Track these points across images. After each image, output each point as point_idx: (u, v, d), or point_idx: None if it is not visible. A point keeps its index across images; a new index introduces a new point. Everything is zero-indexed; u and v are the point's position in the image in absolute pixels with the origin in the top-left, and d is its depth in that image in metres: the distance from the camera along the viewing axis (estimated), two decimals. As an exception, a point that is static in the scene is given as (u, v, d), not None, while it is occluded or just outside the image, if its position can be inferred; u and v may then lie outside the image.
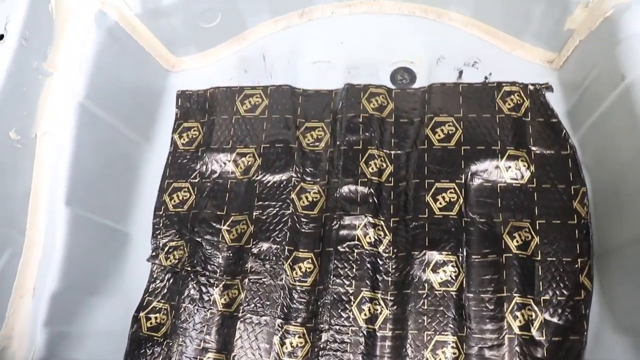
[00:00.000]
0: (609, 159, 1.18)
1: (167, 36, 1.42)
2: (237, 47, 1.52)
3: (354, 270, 1.22)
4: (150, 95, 1.47)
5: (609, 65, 1.12)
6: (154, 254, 1.34)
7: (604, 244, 1.18)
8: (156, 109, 1.49)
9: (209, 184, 1.38)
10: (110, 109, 1.29)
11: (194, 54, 1.51)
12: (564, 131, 1.30)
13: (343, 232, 1.26)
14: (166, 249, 1.34)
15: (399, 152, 1.34)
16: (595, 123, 1.21)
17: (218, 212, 1.34)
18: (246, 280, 1.25)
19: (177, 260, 1.33)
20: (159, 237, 1.36)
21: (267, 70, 1.48)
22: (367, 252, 1.24)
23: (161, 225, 1.37)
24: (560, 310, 1.16)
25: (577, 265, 1.19)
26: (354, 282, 1.22)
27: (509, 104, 1.34)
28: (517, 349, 1.13)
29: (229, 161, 1.39)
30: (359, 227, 1.26)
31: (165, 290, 1.31)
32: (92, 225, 1.24)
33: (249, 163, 1.38)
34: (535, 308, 1.16)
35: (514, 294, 1.16)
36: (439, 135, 1.32)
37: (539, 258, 1.20)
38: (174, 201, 1.38)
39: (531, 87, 1.35)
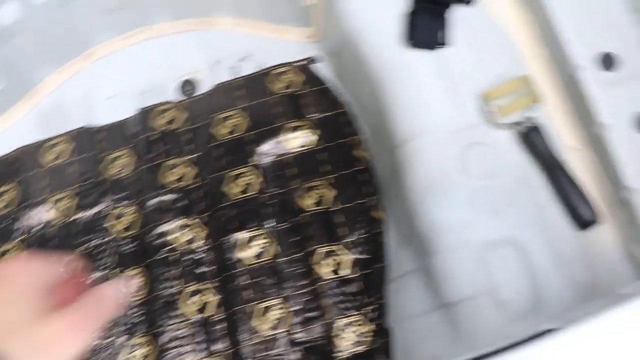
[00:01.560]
0: (364, 106, 1.34)
1: (-43, 113, 1.47)
2: (31, 104, 1.58)
3: (176, 271, 1.32)
4: (-43, 173, 1.51)
5: (339, 23, 1.28)
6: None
7: (383, 178, 1.33)
8: (-31, 184, 1.53)
9: (33, 238, 1.43)
10: None
11: (-8, 122, 1.57)
12: (332, 93, 1.45)
13: (159, 241, 1.35)
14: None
15: (198, 154, 1.45)
16: (352, 79, 1.38)
17: (47, 260, 1.40)
18: (82, 312, 1.32)
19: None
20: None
21: (66, 117, 1.56)
22: (184, 251, 1.34)
23: (-1, 289, 1.41)
24: (365, 247, 1.30)
25: (369, 204, 1.33)
26: (177, 281, 1.31)
27: (281, 84, 1.48)
28: (333, 291, 1.26)
29: (49, 210, 1.45)
30: (172, 232, 1.36)
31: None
32: None
33: (68, 204, 1.44)
34: (342, 252, 1.29)
35: (317, 246, 1.30)
36: (227, 129, 1.44)
37: (337, 208, 1.34)
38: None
39: (298, 64, 1.50)
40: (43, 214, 1.45)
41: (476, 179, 1.05)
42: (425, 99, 1.12)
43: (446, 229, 1.04)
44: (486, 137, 1.08)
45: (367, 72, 1.22)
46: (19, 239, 1.44)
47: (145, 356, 1.28)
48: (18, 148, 1.54)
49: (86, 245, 1.38)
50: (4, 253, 1.44)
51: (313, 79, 1.48)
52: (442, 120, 1.10)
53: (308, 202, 1.34)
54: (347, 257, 1.28)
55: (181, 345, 1.26)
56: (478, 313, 0.99)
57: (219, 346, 1.26)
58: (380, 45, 1.18)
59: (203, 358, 1.25)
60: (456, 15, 1.15)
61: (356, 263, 1.28)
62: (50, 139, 1.53)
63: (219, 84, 1.51)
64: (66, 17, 1.52)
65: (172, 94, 1.55)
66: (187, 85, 1.55)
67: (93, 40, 1.61)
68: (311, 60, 1.50)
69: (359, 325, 1.23)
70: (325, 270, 1.27)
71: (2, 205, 1.49)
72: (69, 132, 1.53)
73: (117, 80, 1.60)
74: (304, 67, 1.50)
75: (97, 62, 1.63)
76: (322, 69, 1.51)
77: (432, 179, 1.07)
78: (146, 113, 1.51)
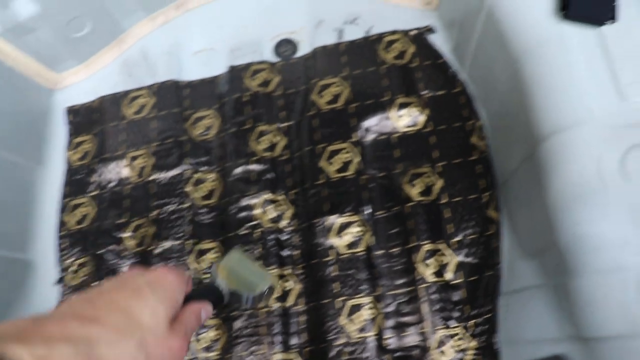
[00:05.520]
0: (491, 87, 1.14)
1: (41, 53, 1.37)
2: (117, 52, 1.47)
3: (258, 250, 1.18)
4: (35, 117, 1.41)
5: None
6: (60, 276, 1.29)
7: (504, 173, 1.14)
8: (45, 131, 1.43)
9: (107, 194, 1.33)
10: (-12, 138, 1.24)
11: (75, 66, 1.46)
12: (451, 69, 1.26)
13: (242, 215, 1.21)
14: (73, 268, 1.29)
15: (290, 123, 1.30)
16: (475, 54, 1.18)
17: (118, 221, 1.28)
18: (152, 282, 1.20)
19: (86, 277, 1.27)
20: (64, 258, 1.30)
21: (151, 70, 1.44)
22: (269, 229, 1.19)
23: (67, 245, 1.31)
24: (473, 249, 1.12)
25: (483, 200, 1.15)
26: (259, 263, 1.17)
27: (393, 53, 1.30)
28: (434, 296, 1.09)
29: (125, 166, 1.34)
30: (257, 206, 1.21)
31: (77, 310, 1.26)
32: (-15, 258, 1.19)
33: (143, 164, 1.33)
34: (447, 252, 1.12)
35: (422, 243, 1.12)
36: (326, 98, 1.28)
37: (445, 201, 1.16)
38: (76, 218, 1.33)
39: (413, 33, 1.32)
40: (118, 170, 1.34)
41: (641, 189, 0.84)
42: (582, 84, 0.91)
43: (597, 246, 0.84)
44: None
45: (503, 47, 1.02)
46: (92, 193, 1.34)
47: (214, 340, 1.15)
48: (100, 97, 1.43)
49: (161, 209, 1.27)
50: (76, 207, 1.34)
51: (428, 51, 1.29)
52: (602, 113, 0.89)
53: (414, 190, 1.16)
54: (452, 259, 1.11)
55: (253, 335, 1.12)
56: (629, 358, 0.79)
57: (295, 341, 1.12)
58: (525, 14, 0.98)
59: (277, 352, 1.11)
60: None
61: (461, 267, 1.11)
62: (132, 91, 1.42)
63: (321, 47, 1.34)
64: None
65: (266, 54, 1.40)
66: (285, 46, 1.40)
67: (187, -12, 1.48)
68: (429, 29, 1.31)
69: (460, 339, 1.06)
70: (428, 271, 1.10)
71: (78, 157, 1.39)
72: (153, 85, 1.41)
73: (208, 34, 1.46)
74: (418, 37, 1.31)
75: (189, 12, 1.49)
76: (436, 41, 1.32)
77: (583, 183, 0.87)
78: (237, 72, 1.36)
